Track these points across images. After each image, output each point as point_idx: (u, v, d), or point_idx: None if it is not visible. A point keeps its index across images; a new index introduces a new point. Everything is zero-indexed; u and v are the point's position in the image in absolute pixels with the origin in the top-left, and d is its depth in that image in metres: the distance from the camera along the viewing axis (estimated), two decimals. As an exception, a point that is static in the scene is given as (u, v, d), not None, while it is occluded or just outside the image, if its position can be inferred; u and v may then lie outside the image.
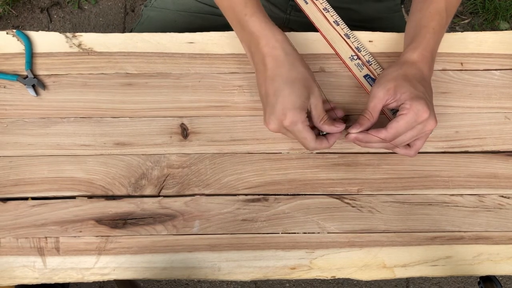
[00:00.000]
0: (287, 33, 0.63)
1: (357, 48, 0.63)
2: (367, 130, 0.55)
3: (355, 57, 0.63)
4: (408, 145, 0.57)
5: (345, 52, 0.63)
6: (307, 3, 0.64)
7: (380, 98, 0.54)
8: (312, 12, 0.64)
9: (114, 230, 0.59)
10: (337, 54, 0.63)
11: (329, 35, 0.63)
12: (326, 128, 0.55)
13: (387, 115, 0.60)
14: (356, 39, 0.63)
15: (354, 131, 0.55)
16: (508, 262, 0.59)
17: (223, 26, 0.62)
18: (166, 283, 1.30)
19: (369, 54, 0.63)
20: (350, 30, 0.63)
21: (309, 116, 0.54)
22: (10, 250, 0.58)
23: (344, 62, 0.63)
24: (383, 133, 0.53)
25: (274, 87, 0.52)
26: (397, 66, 0.56)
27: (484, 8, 1.43)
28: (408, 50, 0.57)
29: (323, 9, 0.64)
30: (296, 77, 0.52)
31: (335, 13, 0.64)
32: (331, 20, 0.64)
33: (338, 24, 0.64)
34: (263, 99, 0.54)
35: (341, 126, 0.55)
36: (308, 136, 0.53)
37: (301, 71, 0.53)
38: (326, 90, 0.62)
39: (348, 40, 0.63)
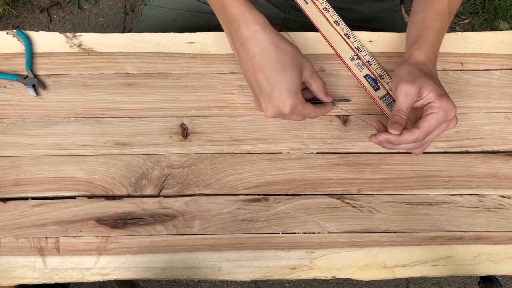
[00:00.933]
0: (287, 33, 0.63)
1: (357, 48, 0.63)
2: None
3: (355, 57, 0.63)
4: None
5: (345, 52, 0.63)
6: (307, 3, 0.64)
7: (413, 96, 0.52)
8: (312, 12, 0.64)
9: (114, 230, 0.59)
10: (337, 54, 0.63)
11: (329, 35, 0.63)
12: (320, 95, 0.57)
13: (385, 111, 0.60)
14: (356, 39, 0.63)
15: (395, 132, 0.52)
16: (508, 262, 0.59)
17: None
18: (166, 283, 1.30)
19: (369, 54, 0.63)
20: (350, 30, 0.63)
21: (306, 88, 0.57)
22: (10, 250, 0.58)
23: (344, 62, 0.63)
24: (417, 134, 0.51)
25: (265, 75, 0.52)
26: (410, 65, 0.55)
27: (484, 8, 1.43)
28: (414, 50, 0.56)
29: (323, 9, 0.64)
30: (285, 61, 0.52)
31: (335, 13, 0.64)
32: (331, 20, 0.64)
33: (338, 24, 0.64)
34: (254, 86, 0.54)
35: (330, 98, 0.58)
36: (309, 110, 0.55)
37: (288, 52, 0.53)
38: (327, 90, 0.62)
39: (348, 40, 0.63)
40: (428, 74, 0.54)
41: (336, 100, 0.60)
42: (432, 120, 0.51)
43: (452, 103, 0.52)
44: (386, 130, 0.54)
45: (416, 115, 0.57)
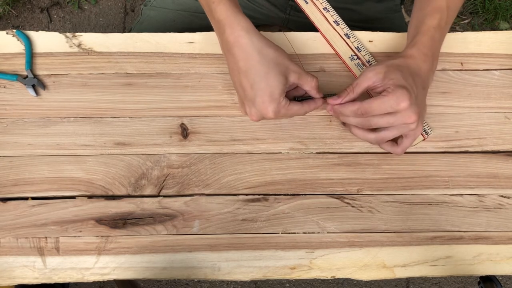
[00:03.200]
0: (287, 33, 0.63)
1: (357, 48, 0.63)
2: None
3: (355, 57, 0.63)
4: (396, 143, 0.57)
5: (345, 52, 0.63)
6: (307, 3, 0.64)
7: (367, 77, 0.54)
8: (312, 12, 0.64)
9: (114, 230, 0.59)
10: (337, 54, 0.63)
11: (329, 34, 0.63)
12: (313, 93, 0.57)
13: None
14: (356, 39, 0.63)
15: (332, 102, 0.57)
16: (508, 262, 0.59)
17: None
18: (166, 283, 1.30)
19: (369, 54, 0.63)
20: (350, 30, 0.63)
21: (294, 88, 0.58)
22: (10, 250, 0.58)
23: (344, 62, 0.63)
24: (357, 105, 0.54)
25: (249, 81, 0.53)
26: (394, 58, 0.56)
27: (484, 8, 1.43)
28: (407, 46, 0.57)
29: (323, 9, 0.64)
30: (269, 67, 0.52)
31: (335, 13, 0.64)
32: (331, 20, 0.64)
33: (338, 24, 0.64)
34: (239, 90, 0.55)
35: (321, 94, 0.58)
36: (294, 110, 0.55)
37: (271, 58, 0.53)
38: (326, 90, 0.62)
39: (348, 40, 0.63)
40: (406, 67, 0.54)
41: (326, 95, 0.60)
42: (377, 99, 0.52)
43: (408, 95, 0.51)
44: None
45: None
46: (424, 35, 0.56)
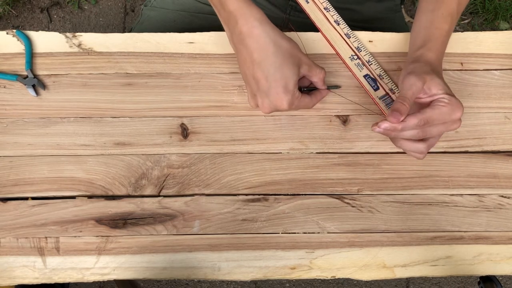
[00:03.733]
0: (287, 33, 0.63)
1: (357, 48, 0.63)
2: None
3: (355, 57, 0.63)
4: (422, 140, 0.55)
5: (345, 52, 0.63)
6: (308, 2, 0.64)
7: (418, 88, 0.52)
8: (312, 11, 0.64)
9: (114, 230, 0.59)
10: (337, 53, 0.63)
11: (330, 34, 0.63)
12: (319, 84, 0.57)
13: (384, 111, 0.60)
14: (356, 39, 0.63)
15: (395, 120, 0.50)
16: (508, 262, 0.59)
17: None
18: (166, 283, 1.30)
19: (369, 54, 0.63)
20: (350, 30, 0.63)
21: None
22: (10, 250, 0.58)
23: (344, 62, 0.63)
24: (418, 117, 0.50)
25: (264, 72, 0.52)
26: (421, 63, 0.55)
27: (484, 8, 1.43)
28: (425, 51, 0.56)
29: (324, 8, 0.64)
30: (283, 58, 0.52)
31: (336, 12, 0.64)
32: (332, 19, 0.64)
33: (338, 24, 0.64)
34: (251, 82, 0.54)
35: (325, 85, 0.58)
36: (305, 102, 0.56)
37: (286, 49, 0.53)
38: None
39: (348, 40, 0.63)
40: (438, 73, 0.54)
41: (330, 87, 0.60)
42: (436, 109, 0.51)
43: (461, 104, 0.52)
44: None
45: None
46: (438, 40, 0.56)
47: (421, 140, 0.54)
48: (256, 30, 0.52)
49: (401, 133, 0.52)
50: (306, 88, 0.58)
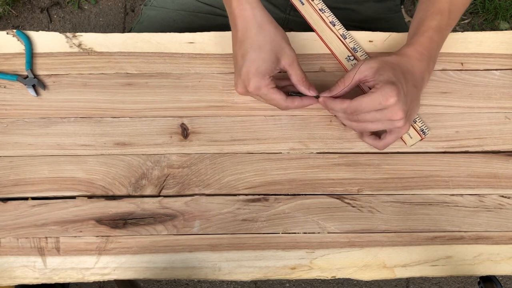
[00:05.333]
0: (287, 33, 0.63)
1: (353, 48, 0.63)
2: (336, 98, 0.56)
3: (352, 58, 0.63)
4: (379, 137, 0.58)
5: (342, 53, 0.63)
6: (303, 3, 0.64)
7: (359, 71, 0.54)
8: (308, 12, 0.64)
9: (114, 230, 0.59)
10: (333, 54, 0.63)
11: (325, 35, 0.63)
12: (301, 89, 0.57)
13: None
14: (352, 39, 0.63)
15: (323, 95, 0.57)
16: (508, 262, 0.59)
17: (223, 26, 0.62)
18: (166, 283, 1.30)
19: (365, 54, 0.63)
20: (346, 31, 0.63)
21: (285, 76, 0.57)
22: (10, 250, 0.58)
23: (340, 63, 0.63)
24: (346, 103, 0.54)
25: (241, 50, 0.54)
26: (388, 55, 0.57)
27: (484, 8, 1.43)
28: (405, 45, 0.58)
29: (319, 9, 0.64)
30: (263, 41, 0.53)
31: (331, 13, 0.64)
32: (327, 20, 0.64)
33: (334, 25, 0.64)
34: (234, 61, 0.56)
35: (313, 92, 0.57)
36: (275, 97, 0.55)
37: (269, 34, 0.54)
38: (325, 90, 0.62)
39: (344, 41, 0.63)
40: (399, 65, 0.55)
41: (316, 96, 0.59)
42: (366, 97, 0.53)
43: (396, 91, 0.52)
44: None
45: None
46: (422, 35, 0.57)
47: (379, 137, 0.58)
48: (245, 12, 0.53)
49: (336, 113, 0.58)
50: (295, 93, 0.57)
